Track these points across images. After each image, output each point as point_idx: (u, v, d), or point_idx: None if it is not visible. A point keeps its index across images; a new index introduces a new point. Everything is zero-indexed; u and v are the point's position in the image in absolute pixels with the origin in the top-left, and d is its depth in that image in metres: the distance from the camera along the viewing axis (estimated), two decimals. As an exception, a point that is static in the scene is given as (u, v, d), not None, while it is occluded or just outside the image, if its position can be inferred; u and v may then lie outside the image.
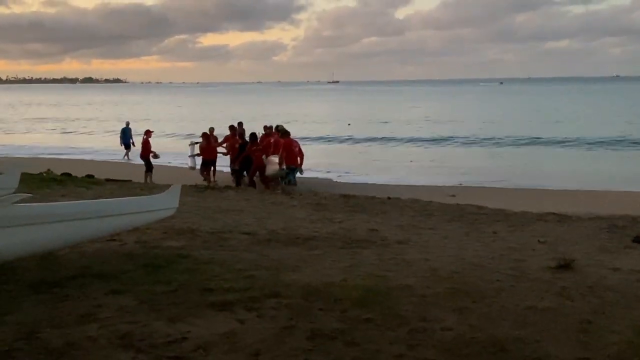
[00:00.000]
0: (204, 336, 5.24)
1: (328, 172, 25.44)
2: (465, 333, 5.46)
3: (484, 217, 12.28)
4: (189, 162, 21.41)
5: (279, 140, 18.56)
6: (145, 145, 21.53)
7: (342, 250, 8.80)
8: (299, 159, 18.09)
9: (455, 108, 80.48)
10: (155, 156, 21.52)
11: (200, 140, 21.20)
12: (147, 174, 20.89)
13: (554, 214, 12.85)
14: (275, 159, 18.12)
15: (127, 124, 25.40)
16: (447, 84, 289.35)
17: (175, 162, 25.99)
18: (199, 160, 21.02)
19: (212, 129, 21.64)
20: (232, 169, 20.37)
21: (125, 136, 23.70)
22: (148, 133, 22.05)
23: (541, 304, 6.32)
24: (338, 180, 23.17)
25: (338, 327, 5.49)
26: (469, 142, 39.58)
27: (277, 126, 21.55)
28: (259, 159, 19.08)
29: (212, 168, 20.62)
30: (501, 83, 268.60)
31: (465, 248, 9.21)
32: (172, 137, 43.31)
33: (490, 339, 5.34)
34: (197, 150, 21.16)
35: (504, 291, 6.76)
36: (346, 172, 25.77)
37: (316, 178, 22.76)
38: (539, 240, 9.90)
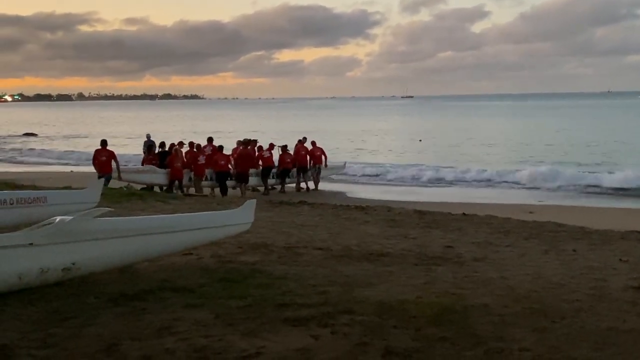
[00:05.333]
0: (278, 351, 5.26)
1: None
2: (543, 354, 5.31)
3: (564, 235, 11.95)
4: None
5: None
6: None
7: (417, 267, 8.71)
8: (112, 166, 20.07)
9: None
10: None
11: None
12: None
13: (637, 232, 12.41)
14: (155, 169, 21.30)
15: (149, 136, 26.05)
16: (531, 98, 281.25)
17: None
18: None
19: (254, 141, 24.00)
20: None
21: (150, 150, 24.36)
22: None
23: (623, 325, 6.12)
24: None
25: (412, 346, 5.42)
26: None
27: (245, 140, 24.05)
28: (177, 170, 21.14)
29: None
30: None
31: (543, 266, 8.99)
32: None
33: (569, 360, 5.19)
34: None
35: (583, 311, 6.57)
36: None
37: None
38: (620, 259, 9.57)
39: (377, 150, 46.12)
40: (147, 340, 5.47)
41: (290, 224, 12.57)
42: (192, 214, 9.91)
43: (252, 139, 24.78)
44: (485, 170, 29.83)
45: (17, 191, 12.73)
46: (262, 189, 23.20)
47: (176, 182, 21.12)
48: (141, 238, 7.60)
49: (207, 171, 21.91)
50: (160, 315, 6.14)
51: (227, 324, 5.92)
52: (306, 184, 24.53)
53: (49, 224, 7.00)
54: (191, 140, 23.84)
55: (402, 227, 12.57)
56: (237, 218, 8.78)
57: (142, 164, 22.40)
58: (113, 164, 20.07)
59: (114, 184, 19.25)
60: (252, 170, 22.90)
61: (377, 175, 30.67)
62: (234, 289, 7.13)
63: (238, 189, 22.39)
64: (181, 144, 22.89)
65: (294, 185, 24.41)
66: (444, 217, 14.18)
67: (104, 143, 20.43)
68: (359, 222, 13.21)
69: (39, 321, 5.93)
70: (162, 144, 23.07)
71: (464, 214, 14.73)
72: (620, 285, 7.76)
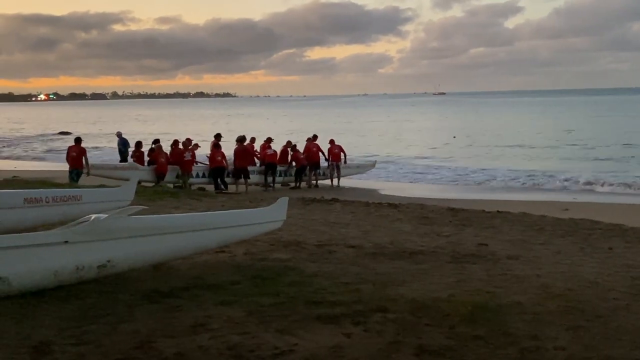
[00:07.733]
0: (311, 349, 5.26)
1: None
2: (579, 353, 5.25)
3: (599, 233, 11.80)
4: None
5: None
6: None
7: (450, 265, 8.66)
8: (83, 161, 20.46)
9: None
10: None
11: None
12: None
13: (674, 230, 12.19)
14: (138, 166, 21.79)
15: (120, 134, 27.01)
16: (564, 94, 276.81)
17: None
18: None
19: (253, 138, 24.73)
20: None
21: (125, 148, 25.08)
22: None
23: (661, 324, 6.02)
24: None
25: (446, 344, 5.39)
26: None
27: (240, 136, 23.92)
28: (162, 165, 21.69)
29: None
30: None
31: (578, 264, 8.88)
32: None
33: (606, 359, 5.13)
34: None
35: (620, 310, 6.48)
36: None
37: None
38: (658, 257, 9.42)
39: (411, 147, 45.87)
40: (180, 337, 5.51)
41: (322, 221, 12.57)
42: (225, 211, 9.96)
43: (269, 136, 25.12)
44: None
45: (53, 189, 12.91)
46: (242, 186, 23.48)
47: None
48: (175, 236, 7.66)
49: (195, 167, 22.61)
50: (193, 313, 6.18)
51: (259, 321, 5.94)
52: (316, 180, 24.94)
53: (84, 221, 7.07)
54: (175, 139, 24.08)
55: (435, 225, 12.51)
56: (269, 216, 8.80)
57: (133, 161, 22.97)
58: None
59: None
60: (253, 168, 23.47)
61: (410, 172, 30.56)
62: (266, 287, 7.16)
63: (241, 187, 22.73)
64: (194, 143, 23.54)
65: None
66: (477, 214, 14.08)
67: (77, 140, 21.37)
68: (392, 220, 13.17)
69: (74, 318, 6.00)
70: (157, 141, 23.43)
71: (498, 211, 14.61)
72: (657, 283, 7.63)
